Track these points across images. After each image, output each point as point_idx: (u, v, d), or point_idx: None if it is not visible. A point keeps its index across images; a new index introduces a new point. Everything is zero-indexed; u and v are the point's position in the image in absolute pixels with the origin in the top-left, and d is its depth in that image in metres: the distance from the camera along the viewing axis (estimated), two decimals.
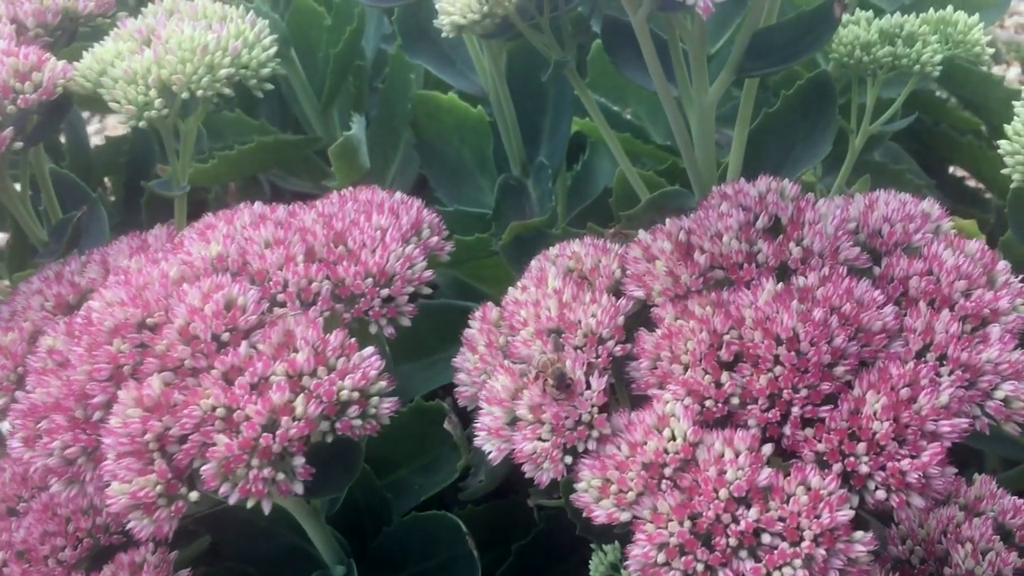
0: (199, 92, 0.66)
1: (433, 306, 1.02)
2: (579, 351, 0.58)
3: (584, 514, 0.55)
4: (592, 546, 0.72)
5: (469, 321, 0.65)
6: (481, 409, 0.59)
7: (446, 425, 0.87)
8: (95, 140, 1.25)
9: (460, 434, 0.88)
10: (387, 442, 0.91)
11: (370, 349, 0.57)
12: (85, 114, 1.69)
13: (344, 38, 1.02)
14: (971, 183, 1.30)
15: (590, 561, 0.71)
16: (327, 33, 1.05)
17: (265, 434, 0.53)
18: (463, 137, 1.07)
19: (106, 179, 1.26)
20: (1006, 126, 0.70)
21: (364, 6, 1.03)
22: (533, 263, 0.66)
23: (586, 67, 1.16)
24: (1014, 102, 0.73)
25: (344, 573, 0.78)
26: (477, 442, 0.59)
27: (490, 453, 0.58)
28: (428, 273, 0.62)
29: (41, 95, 0.65)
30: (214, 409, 0.53)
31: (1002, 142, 0.69)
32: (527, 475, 0.57)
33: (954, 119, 1.24)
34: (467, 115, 1.05)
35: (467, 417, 0.94)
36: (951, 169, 1.31)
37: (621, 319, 0.59)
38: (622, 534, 0.66)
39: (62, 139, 1.10)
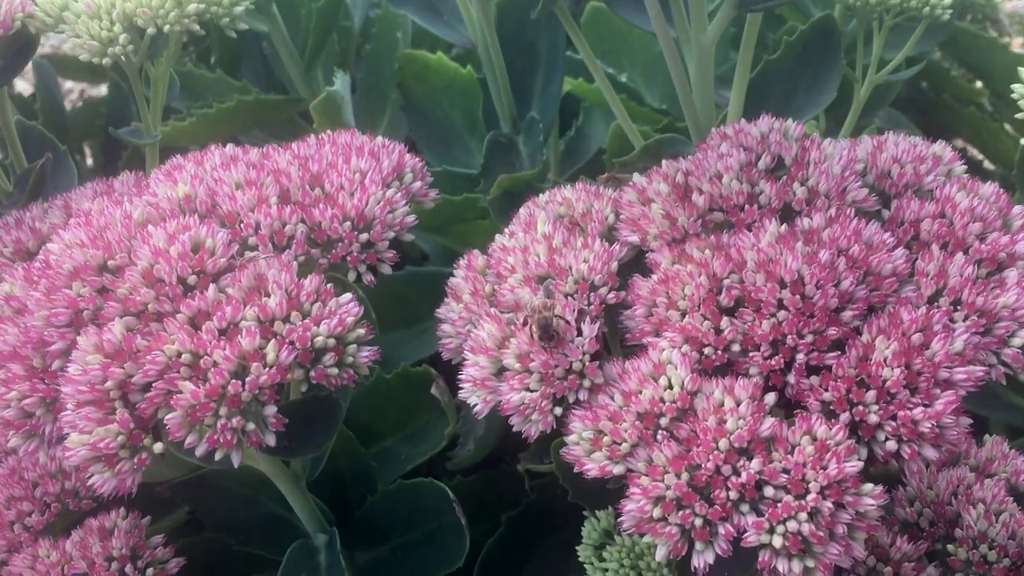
0: (166, 28, 0.62)
1: (421, 274, 0.99)
2: (570, 298, 0.55)
3: (575, 469, 0.52)
4: (585, 513, 0.69)
5: (454, 270, 0.61)
6: (466, 360, 0.55)
7: (433, 390, 0.84)
8: None
9: (448, 400, 0.85)
10: (372, 410, 0.88)
11: (347, 295, 0.54)
12: (82, 85, 1.64)
13: None
14: (972, 154, 1.27)
15: (583, 528, 0.68)
16: None
17: (234, 381, 0.49)
18: (452, 99, 1.03)
19: (86, 147, 1.22)
20: (1020, 69, 0.67)
21: None
22: (522, 210, 0.62)
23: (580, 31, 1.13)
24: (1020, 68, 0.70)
25: (326, 542, 0.74)
26: (462, 394, 0.55)
27: (476, 406, 0.54)
28: (411, 218, 0.59)
29: None
30: (179, 355, 0.50)
31: (1016, 86, 0.65)
32: (515, 428, 0.54)
33: (956, 89, 1.21)
34: (456, 76, 1.01)
35: (455, 385, 0.92)
36: (952, 140, 1.28)
37: (614, 265, 0.56)
38: (616, 499, 0.63)
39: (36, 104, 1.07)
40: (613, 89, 1.04)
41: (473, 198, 0.85)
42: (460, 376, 0.56)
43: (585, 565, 0.68)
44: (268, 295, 0.52)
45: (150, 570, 0.65)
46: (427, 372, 0.84)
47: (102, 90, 1.58)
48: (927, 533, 0.60)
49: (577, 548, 0.68)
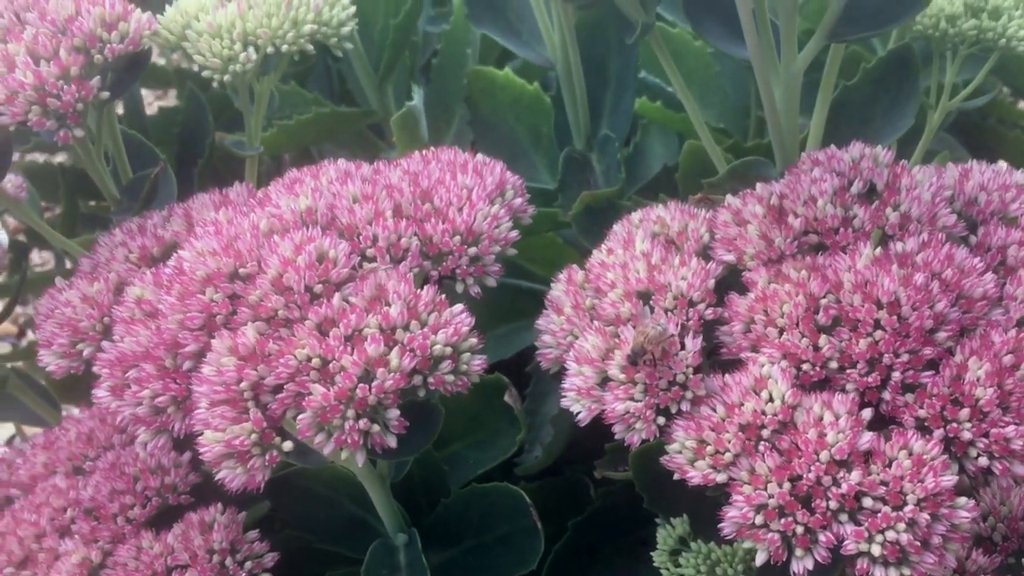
0: (284, 47, 0.66)
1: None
2: (670, 313, 0.58)
3: (676, 476, 0.55)
4: (657, 521, 0.71)
5: (552, 284, 0.64)
6: (569, 370, 0.58)
7: (506, 398, 0.86)
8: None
9: (520, 408, 0.88)
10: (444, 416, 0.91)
11: (460, 306, 0.57)
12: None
13: (405, 9, 1.01)
14: None
15: (657, 534, 0.70)
16: (385, 5, 1.05)
17: (361, 385, 0.52)
18: (518, 114, 1.06)
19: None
20: None
21: None
22: (616, 227, 0.65)
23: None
24: None
25: (406, 542, 0.77)
26: (564, 403, 0.58)
27: (579, 413, 0.57)
28: (514, 234, 0.62)
29: (128, 45, 0.64)
30: (309, 359, 0.53)
31: None
32: (617, 436, 0.56)
33: (1002, 112, 1.24)
34: (523, 92, 1.04)
35: (522, 392, 0.94)
36: (996, 162, 1.30)
37: (712, 283, 0.59)
38: (691, 508, 0.66)
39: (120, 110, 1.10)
40: (673, 107, 1.07)
41: (550, 213, 0.88)
42: (562, 384, 0.58)
43: (661, 570, 0.70)
44: (389, 304, 0.55)
45: (248, 563, 0.68)
46: (500, 380, 0.87)
47: (169, 98, 1.62)
48: (1001, 547, 0.62)
49: (652, 554, 0.71)
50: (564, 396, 0.58)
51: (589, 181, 0.87)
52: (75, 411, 1.27)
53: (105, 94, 0.63)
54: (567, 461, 0.96)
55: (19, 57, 0.62)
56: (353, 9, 0.71)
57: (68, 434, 0.76)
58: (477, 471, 0.88)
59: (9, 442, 1.47)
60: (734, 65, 1.10)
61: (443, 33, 1.11)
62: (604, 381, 0.57)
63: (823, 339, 0.54)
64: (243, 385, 0.53)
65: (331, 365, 0.53)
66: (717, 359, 0.59)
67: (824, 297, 0.55)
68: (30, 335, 1.43)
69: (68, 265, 1.19)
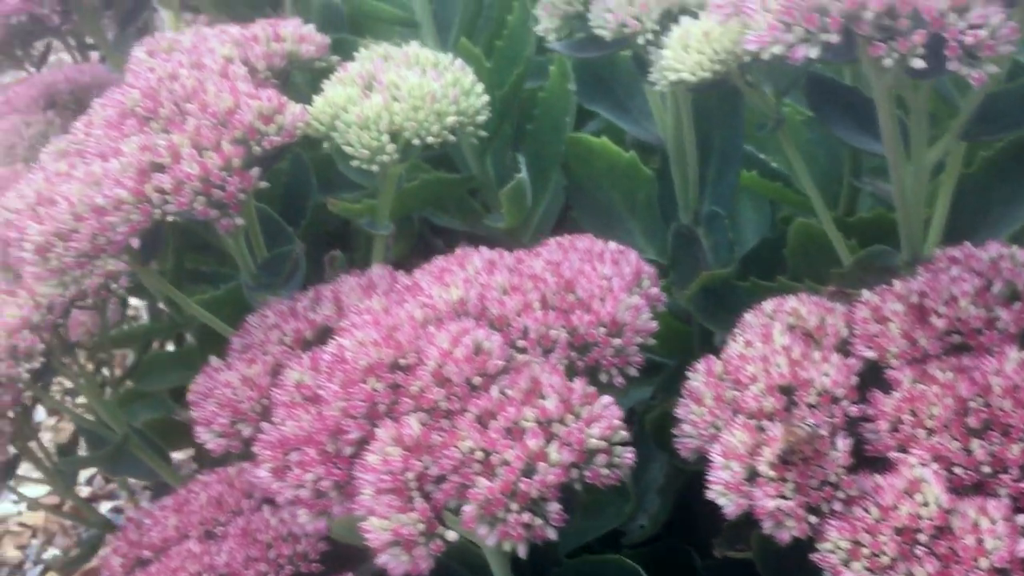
0: (429, 139, 0.68)
1: None
2: (814, 410, 0.59)
3: (827, 574, 0.55)
4: None
5: (689, 374, 0.65)
6: (715, 463, 0.59)
7: None
8: None
9: (630, 480, 0.89)
10: None
11: (608, 398, 0.59)
12: None
13: (511, 81, 1.04)
14: None
15: None
16: (489, 76, 1.08)
17: (524, 479, 0.54)
18: (613, 181, 1.08)
19: None
20: None
21: (531, 53, 1.06)
22: (750, 318, 0.66)
23: None
24: None
25: None
26: (710, 495, 0.59)
27: (727, 507, 0.58)
28: (653, 324, 0.64)
29: (284, 137, 0.68)
30: (472, 452, 0.55)
31: None
32: (766, 531, 0.57)
33: None
34: (618, 159, 1.07)
35: None
36: None
37: (855, 379, 0.60)
38: None
39: None
40: (768, 175, 1.08)
41: (663, 286, 0.89)
42: (708, 478, 0.60)
43: None
44: (544, 397, 0.57)
45: None
46: None
47: None
48: None
49: None
50: (710, 489, 0.59)
51: (698, 258, 0.89)
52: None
53: (264, 184, 0.67)
54: (665, 525, 0.97)
55: (184, 148, 0.65)
56: (487, 98, 0.74)
57: (199, 498, 0.79)
58: (584, 540, 0.89)
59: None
60: (827, 133, 1.12)
61: (540, 100, 1.14)
62: (752, 476, 0.58)
63: (975, 443, 0.55)
64: (408, 475, 0.55)
65: (493, 457, 0.54)
66: (861, 455, 0.60)
67: (973, 400, 0.56)
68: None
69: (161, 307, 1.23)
